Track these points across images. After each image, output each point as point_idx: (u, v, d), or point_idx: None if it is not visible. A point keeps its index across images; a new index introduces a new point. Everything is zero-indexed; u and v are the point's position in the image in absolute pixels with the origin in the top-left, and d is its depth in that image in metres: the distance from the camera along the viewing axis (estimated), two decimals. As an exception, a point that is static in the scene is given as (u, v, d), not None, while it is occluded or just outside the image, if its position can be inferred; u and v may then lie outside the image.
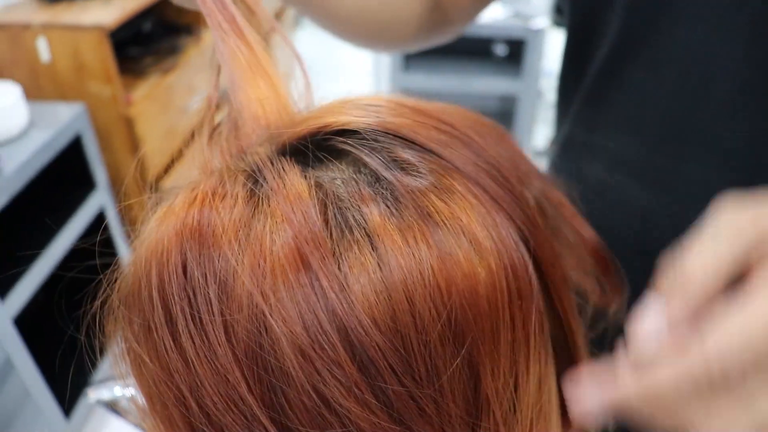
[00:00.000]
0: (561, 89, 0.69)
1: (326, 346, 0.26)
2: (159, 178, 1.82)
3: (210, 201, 0.30)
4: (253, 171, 0.31)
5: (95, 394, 0.97)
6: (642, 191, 0.58)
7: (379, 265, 0.27)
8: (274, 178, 0.30)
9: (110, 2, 1.67)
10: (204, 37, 2.08)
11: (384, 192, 0.29)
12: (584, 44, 0.61)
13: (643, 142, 0.57)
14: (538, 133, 2.99)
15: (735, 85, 0.51)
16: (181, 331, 0.28)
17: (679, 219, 0.47)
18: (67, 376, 1.61)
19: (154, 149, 1.77)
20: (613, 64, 0.58)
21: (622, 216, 0.59)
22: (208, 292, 0.28)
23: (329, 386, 0.26)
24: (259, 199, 0.30)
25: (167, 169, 1.87)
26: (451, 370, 0.27)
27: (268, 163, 0.31)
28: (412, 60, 2.62)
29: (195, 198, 0.31)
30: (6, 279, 1.33)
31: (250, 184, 0.31)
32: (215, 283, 0.28)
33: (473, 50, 2.69)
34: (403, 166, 0.30)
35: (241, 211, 0.29)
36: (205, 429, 0.28)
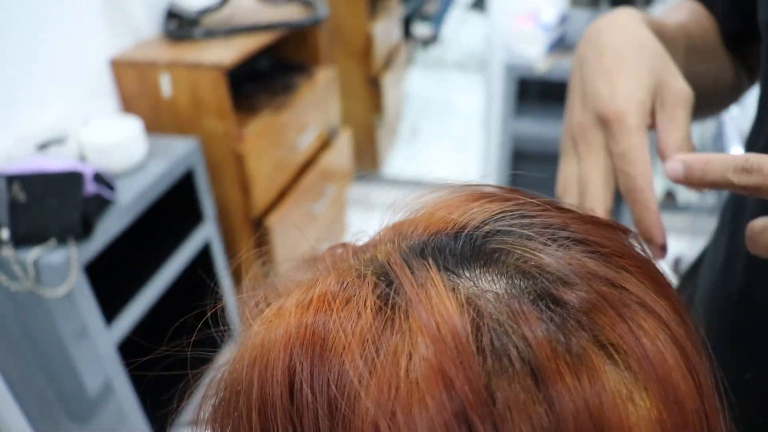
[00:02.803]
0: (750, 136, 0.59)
1: None
2: (265, 214, 1.85)
3: (329, 305, 0.25)
4: (384, 273, 0.27)
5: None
6: None
7: (546, 411, 0.22)
8: (413, 285, 0.25)
9: (231, 42, 1.74)
10: (317, 75, 2.13)
11: (551, 315, 0.24)
12: None
13: None
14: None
15: None
16: None
17: None
18: (163, 403, 1.65)
19: (262, 185, 1.81)
20: None
21: None
22: (319, 421, 0.23)
23: None
24: (393, 309, 0.25)
25: (273, 205, 1.90)
26: None
27: (404, 266, 0.26)
28: (524, 105, 2.56)
29: (311, 300, 0.26)
30: (114, 305, 1.38)
31: (380, 290, 0.26)
32: (329, 409, 0.23)
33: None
34: (569, 280, 0.25)
35: (370, 322, 0.24)
36: None
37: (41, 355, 1.32)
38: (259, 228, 1.84)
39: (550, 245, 0.27)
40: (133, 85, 1.69)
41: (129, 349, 1.43)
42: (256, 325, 0.28)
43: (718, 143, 2.14)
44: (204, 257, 1.72)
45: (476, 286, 0.25)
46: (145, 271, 1.49)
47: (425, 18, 5.17)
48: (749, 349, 0.51)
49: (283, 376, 0.24)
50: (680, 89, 0.45)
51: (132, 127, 1.48)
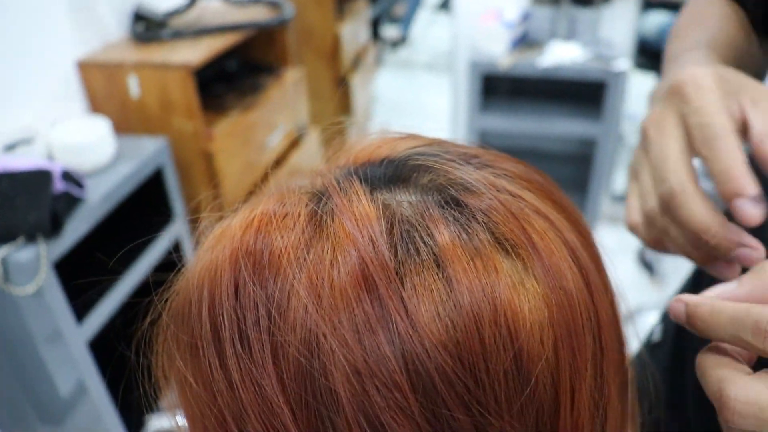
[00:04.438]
0: None
1: (384, 370, 0.25)
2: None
3: (269, 221, 0.30)
4: (319, 192, 0.31)
5: (157, 422, 0.99)
6: None
7: (446, 288, 0.26)
8: (340, 198, 0.29)
9: (198, 43, 1.75)
10: (285, 76, 2.15)
11: (455, 214, 0.29)
12: None
13: None
14: (618, 178, 2.91)
15: None
16: (227, 352, 0.27)
17: None
18: (137, 402, 1.65)
19: (232, 184, 1.82)
20: None
21: None
22: (259, 313, 0.27)
23: (383, 413, 0.25)
24: (322, 218, 0.29)
25: (243, 203, 1.92)
26: (518, 405, 0.26)
27: (335, 184, 0.31)
28: (490, 101, 2.61)
29: (253, 218, 0.30)
30: (84, 303, 1.39)
31: (313, 204, 0.30)
32: (267, 303, 0.27)
33: (552, 92, 2.66)
34: (474, 189, 0.30)
35: (302, 229, 0.29)
36: None
37: (11, 356, 1.33)
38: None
39: (462, 165, 0.31)
40: (101, 87, 1.70)
41: (102, 349, 1.44)
42: (206, 243, 0.32)
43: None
44: (174, 255, 1.73)
45: (393, 197, 0.30)
46: (115, 269, 1.49)
47: (394, 20, 5.22)
48: None
49: (229, 278, 0.28)
50: None
51: (100, 128, 1.49)
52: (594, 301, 0.29)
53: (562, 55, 2.35)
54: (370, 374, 0.25)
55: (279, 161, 2.16)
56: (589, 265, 0.30)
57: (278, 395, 0.26)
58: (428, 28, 5.69)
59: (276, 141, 2.09)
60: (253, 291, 0.27)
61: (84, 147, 1.45)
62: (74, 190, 1.29)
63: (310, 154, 2.36)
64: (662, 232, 0.41)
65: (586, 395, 0.28)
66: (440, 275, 0.26)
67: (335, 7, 2.84)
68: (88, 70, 1.68)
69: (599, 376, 0.29)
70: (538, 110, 2.61)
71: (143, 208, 1.61)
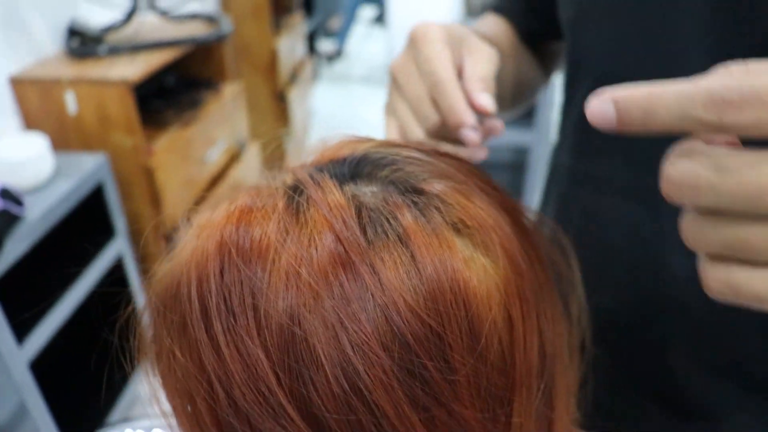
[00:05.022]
0: (560, 118, 0.71)
1: (359, 332, 0.29)
2: (176, 228, 1.86)
3: (250, 211, 0.33)
4: (293, 185, 0.34)
5: (106, 437, 0.99)
6: (630, 209, 0.57)
7: (410, 262, 0.30)
8: (315, 190, 0.33)
9: (136, 58, 1.75)
10: (223, 91, 2.16)
11: (413, 200, 0.33)
12: (572, 69, 0.64)
13: (631, 165, 0.56)
14: (551, 186, 3.01)
15: None
16: (215, 325, 0.30)
17: (663, 232, 0.53)
18: (79, 421, 1.62)
19: (173, 199, 1.82)
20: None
21: (615, 234, 0.59)
22: (243, 289, 0.30)
23: (358, 370, 0.28)
24: (299, 208, 0.33)
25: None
26: (470, 363, 0.30)
27: (308, 178, 0.34)
28: (426, 114, 2.67)
29: (235, 209, 0.34)
30: (24, 323, 1.36)
31: (289, 196, 0.34)
32: (251, 280, 0.30)
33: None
34: (426, 179, 0.35)
35: (281, 217, 0.32)
36: (232, 421, 0.30)
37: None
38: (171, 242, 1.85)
39: (412, 160, 0.36)
40: (37, 103, 1.67)
41: (43, 368, 1.41)
42: (188, 234, 0.35)
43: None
44: (118, 272, 1.71)
45: (359, 189, 0.34)
46: (56, 287, 1.47)
47: (329, 34, 5.26)
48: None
49: (215, 261, 0.32)
50: (485, 46, 0.50)
51: (38, 144, 1.47)
52: (533, 265, 0.35)
53: (494, 68, 2.42)
54: (347, 337, 0.29)
55: (220, 175, 2.16)
56: (525, 237, 0.36)
57: (263, 361, 0.29)
58: (364, 42, 5.76)
59: (216, 155, 2.09)
60: (238, 270, 0.31)
61: (21, 164, 1.42)
62: (13, 208, 1.28)
63: (251, 167, 2.37)
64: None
65: (536, 338, 0.34)
66: (405, 251, 0.31)
67: (272, 22, 2.86)
68: (21, 86, 1.66)
69: (544, 323, 0.35)
70: (473, 121, 2.68)
71: (84, 225, 1.59)
